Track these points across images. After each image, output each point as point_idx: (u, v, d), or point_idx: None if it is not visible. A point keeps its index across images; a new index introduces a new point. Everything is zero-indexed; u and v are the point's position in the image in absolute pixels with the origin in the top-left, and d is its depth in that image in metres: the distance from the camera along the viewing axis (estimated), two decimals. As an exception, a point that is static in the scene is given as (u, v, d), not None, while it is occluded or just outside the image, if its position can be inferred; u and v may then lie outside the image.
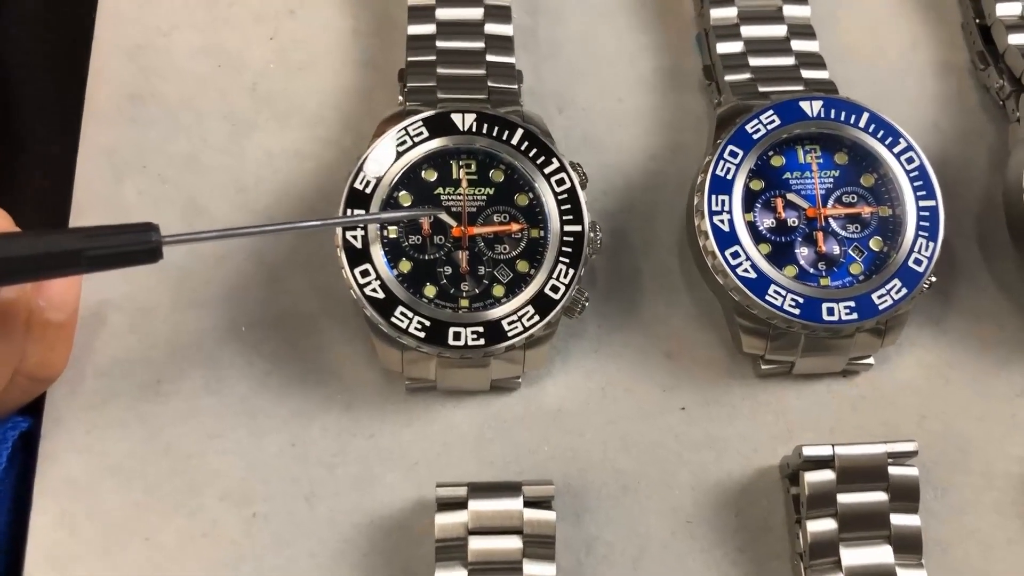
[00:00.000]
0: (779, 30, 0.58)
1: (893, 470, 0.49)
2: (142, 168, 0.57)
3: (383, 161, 0.51)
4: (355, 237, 0.50)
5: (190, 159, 0.57)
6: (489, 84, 0.54)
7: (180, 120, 0.58)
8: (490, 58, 0.55)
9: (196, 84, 0.59)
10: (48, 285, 0.47)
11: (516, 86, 0.55)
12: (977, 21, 0.60)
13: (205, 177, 0.57)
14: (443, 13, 0.56)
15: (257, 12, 0.61)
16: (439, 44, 0.55)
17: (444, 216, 0.51)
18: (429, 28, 0.56)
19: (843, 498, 0.48)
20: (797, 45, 0.57)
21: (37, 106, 0.59)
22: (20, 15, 0.61)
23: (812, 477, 0.48)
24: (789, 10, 0.58)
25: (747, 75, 0.56)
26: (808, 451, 0.49)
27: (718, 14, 0.58)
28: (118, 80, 0.58)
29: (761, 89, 0.55)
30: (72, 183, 0.56)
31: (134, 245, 0.43)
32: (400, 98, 0.54)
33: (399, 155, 0.51)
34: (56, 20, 0.60)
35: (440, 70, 0.54)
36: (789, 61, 0.57)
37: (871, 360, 0.54)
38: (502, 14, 0.57)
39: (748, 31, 0.58)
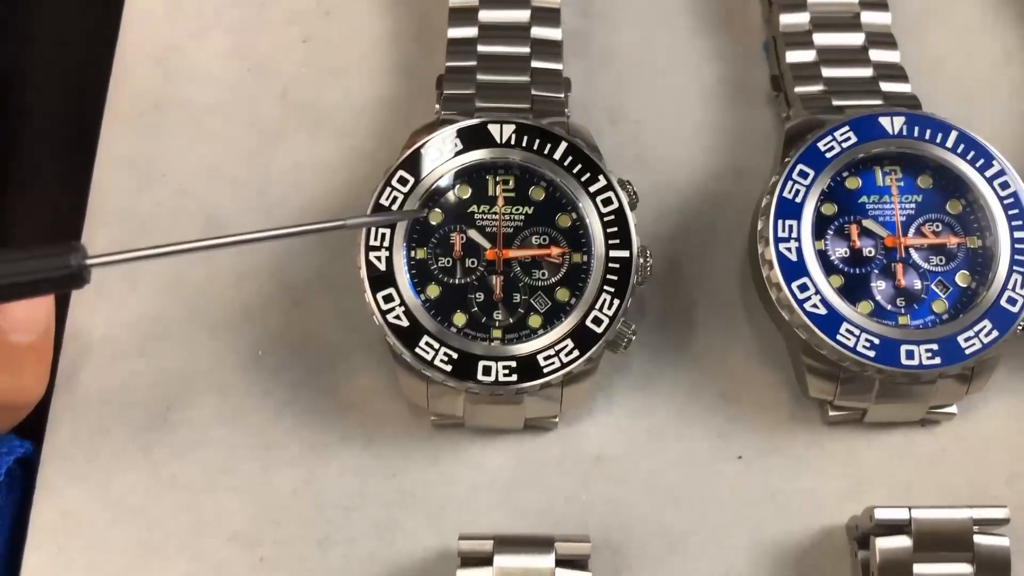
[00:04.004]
0: (856, 38, 0.53)
1: (979, 539, 0.43)
2: (161, 177, 0.53)
3: (412, 175, 0.46)
4: (379, 259, 0.45)
5: (213, 169, 0.54)
6: (533, 92, 0.50)
7: (205, 127, 0.55)
8: (535, 64, 0.51)
9: (224, 90, 0.55)
10: (9, 305, 0.43)
11: (563, 95, 0.50)
12: (1081, 30, 0.54)
13: (228, 189, 0.53)
14: (487, 15, 0.52)
15: (291, 13, 0.57)
16: (480, 48, 0.51)
17: (477, 236, 0.46)
18: (471, 31, 0.52)
19: (920, 569, 0.43)
20: (876, 55, 0.52)
21: (54, 112, 0.56)
22: (41, 20, 0.58)
23: (885, 544, 0.43)
24: (868, 16, 0.53)
25: (819, 87, 0.51)
26: (881, 514, 0.43)
27: (788, 20, 0.53)
28: (142, 85, 0.55)
29: (835, 103, 0.50)
30: (87, 193, 0.53)
31: (48, 272, 0.37)
32: (437, 106, 0.50)
33: (430, 169, 0.47)
34: (80, 25, 0.58)
35: (480, 76, 0.50)
36: (867, 72, 0.52)
37: (954, 409, 0.48)
38: (551, 17, 0.52)
39: (821, 39, 0.53)
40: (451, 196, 0.47)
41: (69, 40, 0.58)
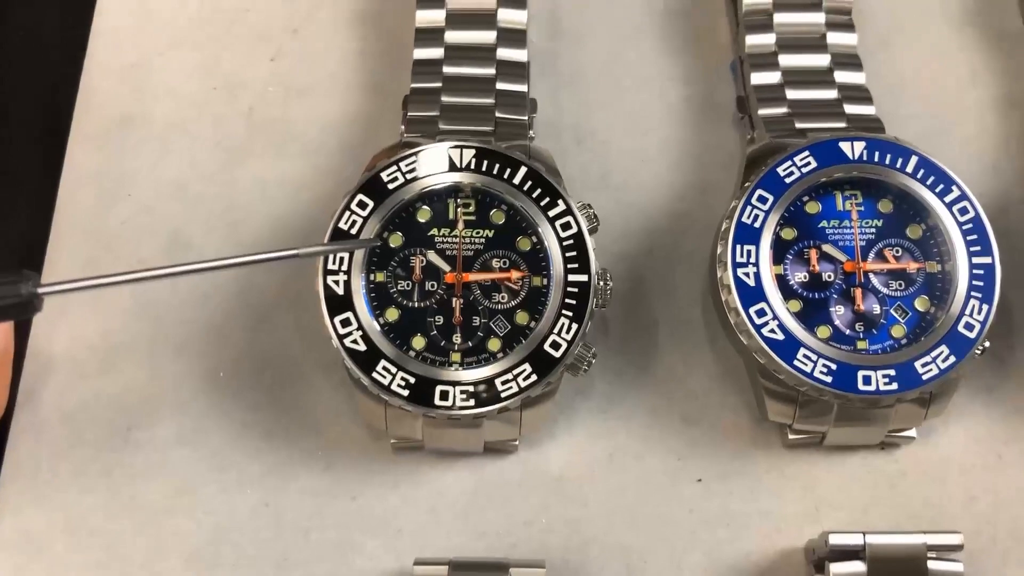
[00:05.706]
0: (822, 59, 0.53)
1: (933, 565, 0.43)
2: (127, 196, 0.53)
3: (372, 199, 0.46)
4: (336, 283, 0.45)
5: (178, 188, 0.54)
6: (497, 115, 0.50)
7: (171, 145, 0.55)
8: (500, 86, 0.51)
9: (190, 107, 0.55)
10: None
11: (526, 117, 0.50)
12: (1047, 52, 0.55)
13: (193, 208, 0.53)
14: (453, 36, 0.52)
15: (258, 30, 0.57)
16: (446, 70, 0.51)
17: (436, 259, 0.46)
18: (437, 52, 0.52)
19: (875, 594, 0.43)
20: (841, 76, 0.52)
21: (21, 128, 0.56)
22: (13, 34, 0.58)
23: (839, 569, 0.43)
24: (834, 37, 0.53)
25: (783, 109, 0.51)
26: (836, 539, 0.43)
27: (754, 40, 0.53)
28: (109, 101, 0.55)
29: (798, 125, 0.50)
30: (52, 209, 0.53)
31: None
32: (401, 127, 0.50)
33: (390, 192, 0.47)
34: (49, 40, 0.57)
35: (444, 98, 0.50)
36: (831, 94, 0.52)
37: (913, 432, 0.48)
38: (517, 38, 0.52)
39: (787, 60, 0.53)
40: (411, 220, 0.47)
41: (39, 56, 0.57)
